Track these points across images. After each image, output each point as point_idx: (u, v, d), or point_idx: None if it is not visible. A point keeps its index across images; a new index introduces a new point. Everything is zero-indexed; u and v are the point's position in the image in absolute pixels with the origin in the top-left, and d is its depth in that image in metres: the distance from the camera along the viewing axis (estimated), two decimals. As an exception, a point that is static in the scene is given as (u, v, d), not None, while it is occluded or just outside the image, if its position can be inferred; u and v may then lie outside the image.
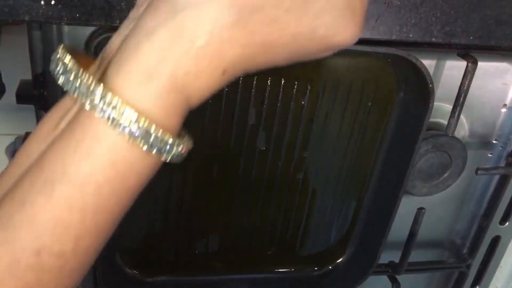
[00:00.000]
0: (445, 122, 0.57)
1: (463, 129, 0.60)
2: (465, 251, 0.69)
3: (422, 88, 0.48)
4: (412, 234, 0.62)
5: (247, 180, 0.55)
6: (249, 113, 0.50)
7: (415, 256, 0.65)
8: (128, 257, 0.58)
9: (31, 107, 0.64)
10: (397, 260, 0.65)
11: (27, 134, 0.62)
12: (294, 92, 0.50)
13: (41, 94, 0.55)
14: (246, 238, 0.60)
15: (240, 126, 0.51)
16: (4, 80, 0.68)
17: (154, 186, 0.54)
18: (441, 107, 0.57)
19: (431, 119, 0.54)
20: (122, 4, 0.38)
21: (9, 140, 0.93)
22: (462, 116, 0.59)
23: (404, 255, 0.63)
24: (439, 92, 0.53)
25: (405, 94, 0.52)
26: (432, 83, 0.47)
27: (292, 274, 0.63)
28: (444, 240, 0.69)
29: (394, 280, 0.66)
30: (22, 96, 0.56)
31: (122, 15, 0.38)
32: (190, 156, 0.52)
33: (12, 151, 0.90)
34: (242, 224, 0.59)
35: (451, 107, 0.54)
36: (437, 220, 0.67)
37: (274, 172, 0.55)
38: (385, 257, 0.63)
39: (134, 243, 0.58)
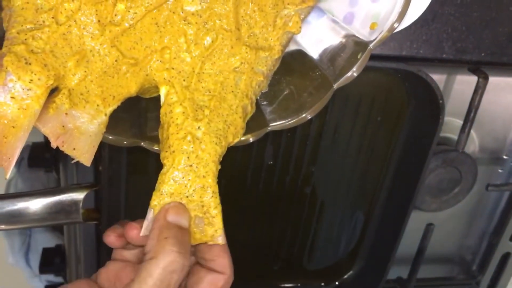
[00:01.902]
0: (455, 137, 0.56)
1: (473, 144, 0.59)
2: (474, 267, 0.68)
3: (432, 104, 0.47)
4: (421, 250, 0.61)
5: (255, 194, 0.55)
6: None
7: (424, 272, 0.64)
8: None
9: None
10: (405, 276, 0.64)
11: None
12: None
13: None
14: (253, 252, 0.59)
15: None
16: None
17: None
18: (452, 122, 0.57)
19: (441, 134, 0.53)
20: None
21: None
22: (472, 132, 0.58)
23: (413, 271, 0.63)
24: (449, 107, 0.53)
25: (415, 110, 0.51)
26: (442, 98, 0.46)
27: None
28: (453, 256, 0.68)
29: (402, 296, 0.65)
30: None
31: None
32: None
33: (19, 160, 0.90)
34: (249, 238, 0.58)
35: (462, 122, 0.54)
36: (447, 236, 0.66)
37: (281, 186, 0.54)
38: (393, 273, 0.62)
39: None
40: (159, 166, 0.50)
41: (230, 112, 0.34)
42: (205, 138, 0.33)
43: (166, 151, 0.33)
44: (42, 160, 0.59)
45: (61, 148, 0.28)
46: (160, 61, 0.31)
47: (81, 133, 0.29)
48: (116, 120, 0.31)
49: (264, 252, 0.59)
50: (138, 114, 0.34)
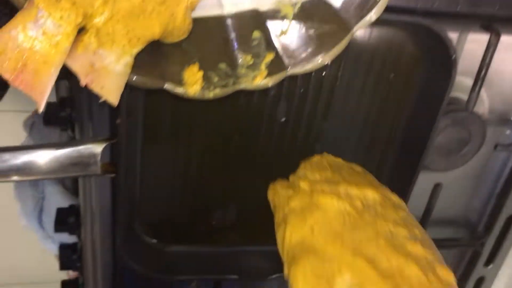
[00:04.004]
0: (465, 98, 0.57)
1: (482, 105, 0.60)
2: (480, 229, 0.70)
3: (445, 59, 0.48)
4: (428, 209, 0.62)
5: (267, 151, 0.56)
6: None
7: (430, 233, 0.65)
8: (147, 226, 0.59)
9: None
10: (412, 237, 0.66)
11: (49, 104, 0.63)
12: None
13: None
14: (264, 211, 0.60)
15: (260, 97, 0.52)
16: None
17: (173, 157, 0.54)
18: (462, 82, 0.57)
19: (451, 94, 0.54)
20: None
21: (22, 116, 0.94)
22: (482, 92, 0.59)
23: (420, 231, 0.64)
24: (460, 66, 0.53)
25: (428, 66, 0.52)
26: (455, 53, 0.47)
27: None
28: (459, 218, 0.70)
29: (408, 256, 0.67)
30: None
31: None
32: (209, 126, 0.53)
33: (30, 124, 0.91)
34: (260, 195, 0.59)
35: (472, 82, 0.54)
36: (453, 197, 0.67)
37: (294, 143, 0.55)
38: (400, 234, 0.63)
39: (153, 213, 0.58)
40: (176, 119, 0.51)
41: None
42: None
43: None
44: (57, 119, 0.60)
45: (90, 86, 0.29)
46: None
47: (108, 73, 0.30)
48: (140, 62, 0.32)
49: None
50: (161, 58, 0.35)
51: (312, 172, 0.40)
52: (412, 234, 0.36)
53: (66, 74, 0.60)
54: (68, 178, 0.78)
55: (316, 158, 0.43)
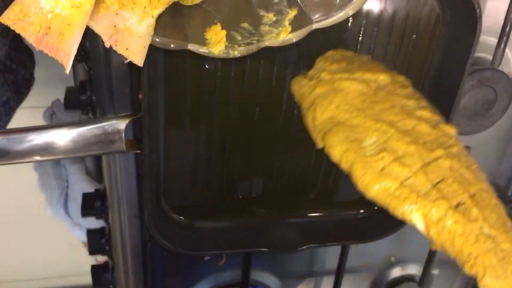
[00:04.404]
0: (489, 57, 0.56)
1: (508, 64, 0.59)
2: (510, 193, 0.68)
3: (468, 15, 0.47)
4: (456, 174, 0.61)
5: (290, 122, 0.55)
6: (290, 52, 0.50)
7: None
8: (174, 203, 0.59)
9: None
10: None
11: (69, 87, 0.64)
12: (336, 27, 0.49)
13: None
14: (289, 182, 0.60)
15: (281, 67, 0.51)
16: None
17: (196, 131, 0.54)
18: (485, 41, 0.56)
19: (475, 54, 0.52)
20: None
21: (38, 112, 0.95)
22: (507, 51, 0.57)
23: (448, 197, 0.63)
24: (484, 25, 0.52)
25: (451, 24, 0.50)
26: (480, 8, 0.45)
27: (333, 217, 0.63)
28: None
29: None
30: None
31: None
32: (231, 99, 0.52)
33: (50, 114, 0.92)
34: (284, 167, 0.59)
35: (495, 41, 0.53)
36: (481, 161, 0.65)
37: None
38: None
39: (179, 190, 0.58)
40: (197, 93, 0.51)
41: None
42: None
43: None
44: (78, 102, 0.60)
45: (114, 48, 0.29)
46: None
47: (131, 34, 0.29)
48: (163, 24, 0.32)
49: (300, 181, 0.60)
50: (183, 20, 0.34)
51: (330, 64, 0.47)
52: (420, 104, 0.45)
53: (83, 57, 0.61)
54: (92, 164, 0.78)
55: (330, 53, 0.49)
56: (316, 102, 0.45)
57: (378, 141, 0.41)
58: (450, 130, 0.44)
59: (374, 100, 0.44)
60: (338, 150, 0.42)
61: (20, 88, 0.76)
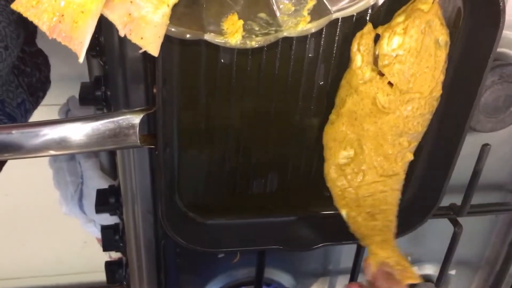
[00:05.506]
0: (511, 52, 0.54)
1: (530, 59, 0.57)
2: (531, 192, 0.67)
3: (491, 9, 0.45)
4: (476, 172, 0.60)
5: (306, 118, 0.54)
6: (308, 44, 0.49)
7: (477, 199, 0.63)
8: (188, 200, 0.59)
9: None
10: (458, 203, 0.63)
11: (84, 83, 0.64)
12: (354, 20, 0.48)
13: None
14: (304, 179, 0.59)
15: (298, 60, 0.50)
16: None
17: (210, 126, 0.54)
18: (508, 35, 0.55)
19: (497, 49, 0.51)
20: None
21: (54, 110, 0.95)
22: (529, 46, 0.56)
23: (467, 196, 0.61)
24: (506, 19, 0.50)
25: (472, 18, 0.49)
26: (503, 0, 0.44)
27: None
28: (508, 182, 0.67)
29: (455, 223, 0.64)
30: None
31: None
32: (246, 92, 0.52)
33: (66, 111, 0.92)
34: (300, 164, 0.58)
35: (518, 35, 0.52)
36: (501, 159, 0.64)
37: (332, 106, 0.53)
38: (445, 201, 0.61)
39: (193, 186, 0.58)
40: (211, 86, 0.50)
41: None
42: None
43: None
44: (93, 98, 0.60)
45: (129, 37, 0.28)
46: None
47: (146, 23, 0.29)
48: (179, 14, 0.31)
49: (315, 178, 0.59)
50: (199, 10, 0.34)
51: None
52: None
53: (98, 52, 0.60)
54: (106, 160, 0.78)
55: None
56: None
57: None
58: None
59: None
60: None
61: (36, 91, 0.76)
